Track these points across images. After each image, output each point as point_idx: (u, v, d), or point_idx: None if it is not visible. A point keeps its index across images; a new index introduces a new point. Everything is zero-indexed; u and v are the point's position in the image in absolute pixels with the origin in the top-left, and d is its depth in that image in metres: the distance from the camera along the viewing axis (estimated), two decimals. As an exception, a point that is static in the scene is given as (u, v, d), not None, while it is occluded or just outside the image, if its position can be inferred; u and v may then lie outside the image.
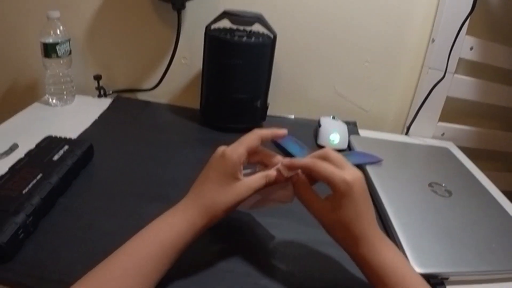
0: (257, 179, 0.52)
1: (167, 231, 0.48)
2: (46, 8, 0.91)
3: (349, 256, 0.51)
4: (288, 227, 0.65)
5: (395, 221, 0.66)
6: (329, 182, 0.48)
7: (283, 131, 0.56)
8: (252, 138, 0.53)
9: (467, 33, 0.98)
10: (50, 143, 0.72)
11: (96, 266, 0.44)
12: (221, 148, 0.52)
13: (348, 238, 0.49)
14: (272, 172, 0.53)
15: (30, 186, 0.59)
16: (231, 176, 0.50)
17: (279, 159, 0.55)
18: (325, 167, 0.49)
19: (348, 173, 0.48)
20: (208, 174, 0.52)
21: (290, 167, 0.53)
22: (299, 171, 0.54)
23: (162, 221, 0.50)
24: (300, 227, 0.64)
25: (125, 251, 0.46)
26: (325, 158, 0.51)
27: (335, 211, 0.49)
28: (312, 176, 0.53)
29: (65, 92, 0.98)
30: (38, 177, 0.61)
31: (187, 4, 0.97)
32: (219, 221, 0.51)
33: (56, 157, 0.68)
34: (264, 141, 0.54)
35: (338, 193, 0.48)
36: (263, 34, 0.91)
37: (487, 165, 1.00)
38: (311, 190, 0.52)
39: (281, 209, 0.59)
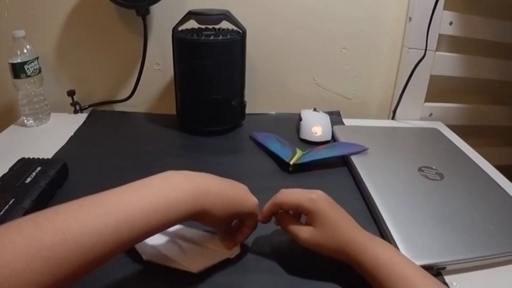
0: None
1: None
2: (12, 28, 0.89)
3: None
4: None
5: (384, 211, 0.63)
6: (298, 206, 0.52)
7: None
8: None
9: (445, 8, 0.96)
10: (23, 166, 0.70)
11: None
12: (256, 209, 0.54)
13: (338, 249, 0.50)
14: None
15: (2, 212, 0.57)
16: (232, 218, 0.52)
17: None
18: (288, 196, 0.53)
19: (310, 193, 0.52)
20: (237, 194, 0.52)
21: (265, 218, 0.56)
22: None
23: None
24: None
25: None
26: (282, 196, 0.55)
27: (316, 229, 0.51)
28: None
29: (39, 112, 0.96)
30: (11, 202, 0.60)
31: (152, 9, 0.95)
32: None
33: (28, 180, 0.66)
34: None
35: (310, 212, 0.51)
36: (231, 31, 0.88)
37: (478, 141, 0.98)
38: (293, 220, 0.54)
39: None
